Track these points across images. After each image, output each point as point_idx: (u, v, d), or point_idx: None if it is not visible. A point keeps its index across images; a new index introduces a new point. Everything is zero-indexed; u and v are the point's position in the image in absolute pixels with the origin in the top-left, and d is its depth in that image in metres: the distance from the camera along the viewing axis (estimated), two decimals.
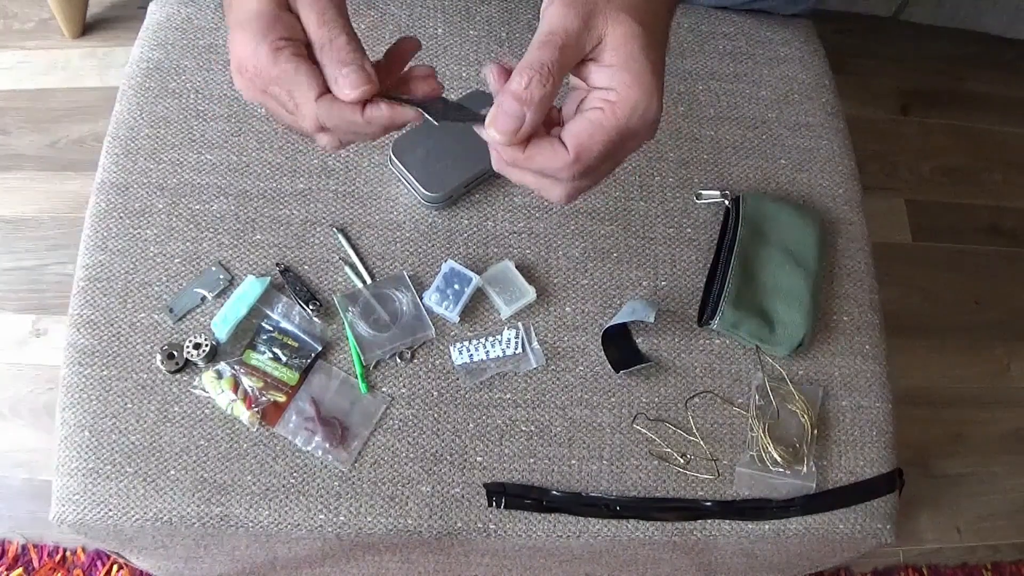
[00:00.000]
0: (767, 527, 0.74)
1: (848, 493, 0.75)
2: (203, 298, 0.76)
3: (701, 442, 0.75)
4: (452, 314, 0.76)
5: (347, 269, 0.78)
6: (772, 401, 0.76)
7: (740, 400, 0.77)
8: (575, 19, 0.48)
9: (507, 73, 0.50)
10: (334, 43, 0.49)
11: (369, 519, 0.71)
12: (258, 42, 0.48)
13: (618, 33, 0.48)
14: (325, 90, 0.49)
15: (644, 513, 0.73)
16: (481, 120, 0.50)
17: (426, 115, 0.53)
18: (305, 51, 0.49)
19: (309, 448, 0.71)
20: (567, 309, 0.79)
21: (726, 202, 0.83)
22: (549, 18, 0.48)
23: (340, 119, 0.49)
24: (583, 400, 0.76)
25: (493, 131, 0.48)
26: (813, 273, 0.80)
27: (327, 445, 0.71)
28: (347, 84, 0.48)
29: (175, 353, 0.73)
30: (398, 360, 0.75)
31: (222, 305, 0.75)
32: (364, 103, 0.49)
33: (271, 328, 0.75)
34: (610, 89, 0.48)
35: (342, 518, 0.70)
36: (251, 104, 0.83)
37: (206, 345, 0.73)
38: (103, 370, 0.73)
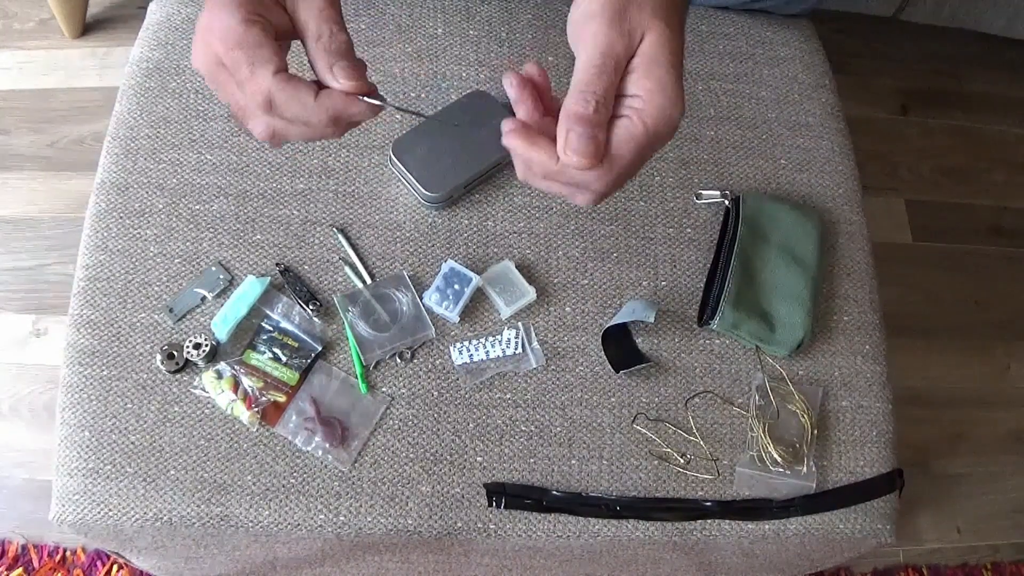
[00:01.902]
0: (767, 527, 0.74)
1: (848, 493, 0.75)
2: (203, 298, 0.76)
3: (701, 442, 0.75)
4: (452, 314, 0.76)
5: (347, 269, 0.78)
6: (772, 401, 0.76)
7: (740, 400, 0.77)
8: (620, 40, 0.48)
9: (526, 82, 0.50)
10: (335, 36, 0.50)
11: (369, 519, 0.71)
12: (233, 10, 0.48)
13: (648, 40, 0.49)
14: (284, 68, 0.49)
15: (644, 513, 0.73)
16: (452, 123, 0.51)
17: (401, 112, 0.53)
18: (274, 33, 0.50)
19: (309, 448, 0.71)
20: (567, 309, 0.79)
21: (726, 202, 0.83)
22: (598, 40, 0.49)
23: (292, 98, 0.49)
24: (583, 400, 0.76)
25: (575, 157, 0.48)
26: (813, 273, 0.80)
27: (327, 445, 0.71)
28: (342, 74, 0.50)
29: (175, 353, 0.73)
30: (398, 360, 0.75)
31: (222, 305, 0.75)
32: (318, 89, 0.50)
33: (271, 328, 0.75)
34: (635, 96, 0.49)
35: (342, 518, 0.70)
36: None
37: (206, 345, 0.73)
38: (103, 370, 0.73)
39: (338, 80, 0.50)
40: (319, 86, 0.51)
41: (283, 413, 0.72)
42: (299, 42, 0.52)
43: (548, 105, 0.51)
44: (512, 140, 0.50)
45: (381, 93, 0.52)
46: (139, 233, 0.78)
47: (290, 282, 0.77)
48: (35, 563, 1.10)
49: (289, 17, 0.51)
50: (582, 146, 0.48)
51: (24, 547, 1.11)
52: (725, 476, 0.74)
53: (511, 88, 0.51)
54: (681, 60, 0.50)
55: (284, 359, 0.74)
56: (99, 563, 1.10)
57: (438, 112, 0.83)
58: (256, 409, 0.71)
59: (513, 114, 0.51)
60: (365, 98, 0.51)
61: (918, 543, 1.25)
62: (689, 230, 0.83)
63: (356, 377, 0.74)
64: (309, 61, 0.51)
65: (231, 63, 0.49)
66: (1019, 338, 1.41)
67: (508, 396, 0.75)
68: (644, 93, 0.49)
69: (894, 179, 1.51)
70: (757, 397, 0.77)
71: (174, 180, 0.80)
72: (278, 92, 0.49)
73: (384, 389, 0.74)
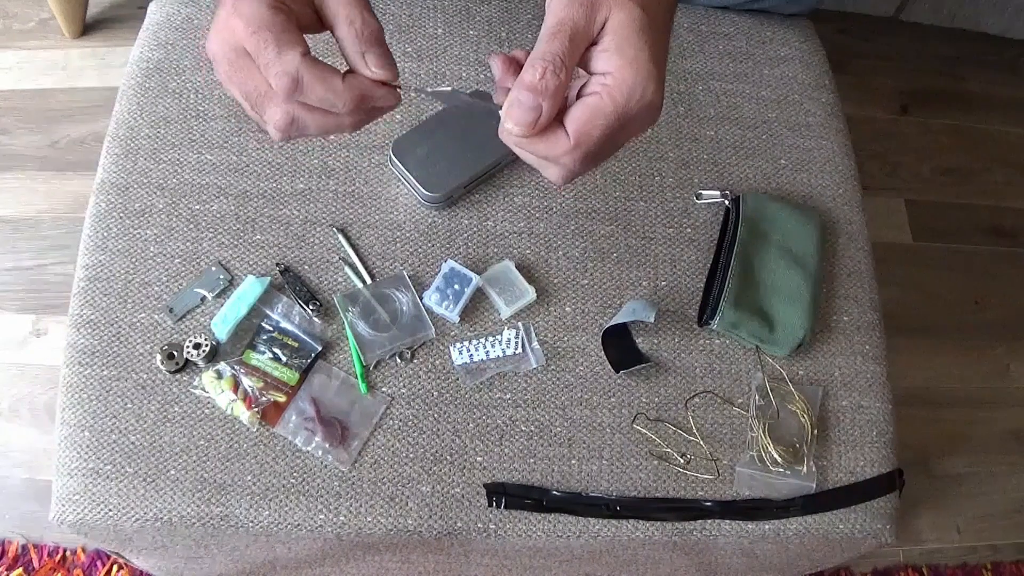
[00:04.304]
0: (767, 527, 0.74)
1: (848, 493, 0.75)
2: (203, 298, 0.76)
3: (701, 442, 0.75)
4: (452, 314, 0.76)
5: (347, 269, 0.78)
6: (772, 401, 0.76)
7: (740, 400, 0.77)
8: (579, 9, 0.48)
9: (511, 62, 0.51)
10: (367, 22, 0.50)
11: (369, 519, 0.71)
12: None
13: (618, 18, 0.49)
14: (309, 52, 0.49)
15: (644, 513, 0.73)
16: (489, 102, 0.51)
17: (433, 95, 0.53)
18: (297, 23, 0.50)
19: (309, 448, 0.71)
20: (567, 309, 0.79)
21: (726, 202, 0.83)
22: (555, 10, 0.49)
23: (320, 80, 0.48)
24: (583, 400, 0.76)
25: (511, 123, 0.48)
26: (813, 273, 0.80)
27: (327, 445, 0.71)
28: (374, 62, 0.50)
29: (175, 353, 0.73)
30: (398, 360, 0.75)
31: (222, 305, 0.75)
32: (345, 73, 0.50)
33: (271, 328, 0.75)
34: (606, 73, 0.49)
35: (342, 518, 0.70)
36: None
37: (206, 345, 0.73)
38: (103, 370, 0.73)
39: (370, 68, 0.50)
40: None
41: (283, 413, 0.72)
42: (321, 36, 0.52)
43: None
44: (500, 96, 0.50)
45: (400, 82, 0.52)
46: (139, 233, 0.78)
47: (290, 282, 0.77)
48: (35, 563, 1.10)
49: (314, 10, 0.51)
50: (520, 114, 0.48)
51: (24, 547, 1.11)
52: (725, 476, 0.74)
53: (496, 68, 0.51)
54: (658, 40, 0.50)
55: (284, 359, 0.74)
56: (99, 563, 1.10)
57: (443, 110, 0.83)
58: (256, 409, 0.71)
59: None
60: (398, 85, 0.51)
61: (918, 543, 1.25)
62: (689, 230, 0.83)
63: (356, 377, 0.74)
64: (340, 48, 0.51)
65: (255, 45, 0.48)
66: (1019, 338, 1.41)
67: (508, 396, 0.75)
68: (614, 70, 0.48)
69: (894, 179, 1.51)
70: (757, 397, 0.77)
71: (174, 180, 0.80)
72: (306, 73, 0.48)
73: (384, 389, 0.74)
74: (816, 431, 0.76)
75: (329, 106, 0.50)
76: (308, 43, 0.50)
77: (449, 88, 0.54)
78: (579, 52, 0.49)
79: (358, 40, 0.50)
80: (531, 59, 0.48)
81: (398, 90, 0.52)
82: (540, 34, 0.49)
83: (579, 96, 0.50)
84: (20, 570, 1.09)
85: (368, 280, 0.77)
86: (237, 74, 0.50)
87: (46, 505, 0.70)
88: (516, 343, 0.76)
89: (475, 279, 0.76)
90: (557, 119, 0.49)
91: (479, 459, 0.73)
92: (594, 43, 0.49)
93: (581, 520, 0.72)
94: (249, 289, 0.75)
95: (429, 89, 0.55)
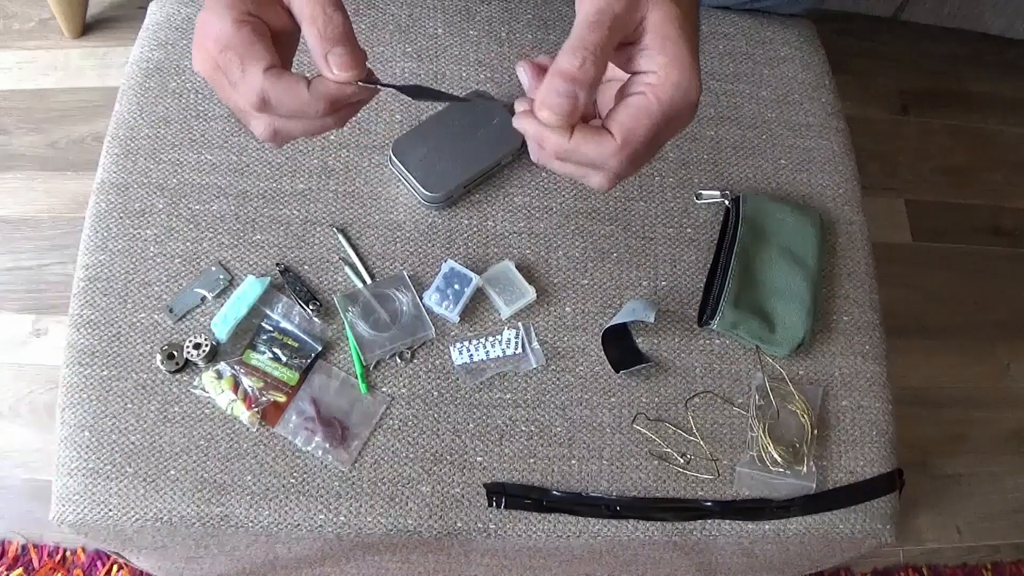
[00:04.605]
0: (767, 527, 0.74)
1: (848, 493, 0.75)
2: (203, 298, 0.76)
3: (701, 442, 0.75)
4: (452, 314, 0.76)
5: (347, 269, 0.78)
6: (772, 401, 0.76)
7: (740, 400, 0.77)
8: (619, 1, 0.47)
9: (540, 69, 0.49)
10: (331, 19, 0.48)
11: (369, 519, 0.71)
12: (224, 12, 0.47)
13: (656, 15, 0.48)
14: (276, 64, 0.48)
15: (644, 513, 0.73)
16: (458, 99, 0.49)
17: (401, 92, 0.52)
18: (268, 33, 0.49)
19: (309, 448, 0.71)
20: (567, 309, 0.79)
21: (726, 202, 0.83)
22: (594, 0, 0.47)
23: (285, 92, 0.48)
24: (583, 400, 0.76)
25: (546, 112, 0.47)
26: (813, 273, 0.80)
27: (327, 445, 0.71)
28: (336, 63, 0.48)
29: (175, 353, 0.73)
30: (398, 360, 0.75)
31: (222, 305, 0.75)
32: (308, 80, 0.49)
33: (271, 328, 0.75)
34: (649, 72, 0.48)
35: (342, 518, 0.70)
36: None
37: (206, 345, 0.73)
38: (103, 370, 0.73)
39: (332, 71, 0.48)
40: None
41: (283, 413, 0.72)
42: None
43: None
44: (524, 120, 0.49)
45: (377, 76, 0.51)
46: (139, 233, 0.78)
47: (290, 282, 0.77)
48: (35, 563, 1.10)
49: (287, 11, 0.50)
50: (557, 103, 0.46)
51: (24, 547, 1.11)
52: (725, 476, 0.74)
53: (525, 75, 0.49)
54: (695, 38, 0.49)
55: (284, 359, 0.74)
56: (99, 563, 1.10)
57: (443, 110, 0.83)
58: (256, 409, 0.71)
59: (512, 114, 0.51)
60: (360, 83, 0.49)
61: (918, 543, 1.25)
62: (689, 230, 0.83)
63: (356, 377, 0.74)
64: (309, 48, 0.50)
65: (224, 64, 0.48)
66: (1019, 338, 1.41)
67: (508, 396, 0.75)
68: (658, 68, 0.47)
69: (894, 179, 1.51)
70: (757, 397, 0.77)
71: (174, 180, 0.80)
72: (270, 88, 0.47)
73: (384, 389, 0.74)
74: (816, 431, 0.76)
75: (302, 115, 0.49)
76: (292, 55, 0.49)
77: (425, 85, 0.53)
78: (615, 43, 0.47)
79: (321, 40, 0.48)
80: (569, 47, 0.46)
81: (372, 86, 0.50)
82: (577, 21, 0.47)
83: (621, 97, 0.49)
84: (20, 570, 1.09)
85: (368, 280, 0.77)
86: (219, 91, 0.50)
87: (46, 505, 0.70)
88: (516, 343, 0.76)
89: (475, 279, 0.76)
90: (594, 124, 0.48)
91: (479, 459, 0.73)
92: (632, 42, 0.48)
93: (581, 520, 0.72)
94: (249, 289, 0.75)
95: (398, 84, 0.53)
